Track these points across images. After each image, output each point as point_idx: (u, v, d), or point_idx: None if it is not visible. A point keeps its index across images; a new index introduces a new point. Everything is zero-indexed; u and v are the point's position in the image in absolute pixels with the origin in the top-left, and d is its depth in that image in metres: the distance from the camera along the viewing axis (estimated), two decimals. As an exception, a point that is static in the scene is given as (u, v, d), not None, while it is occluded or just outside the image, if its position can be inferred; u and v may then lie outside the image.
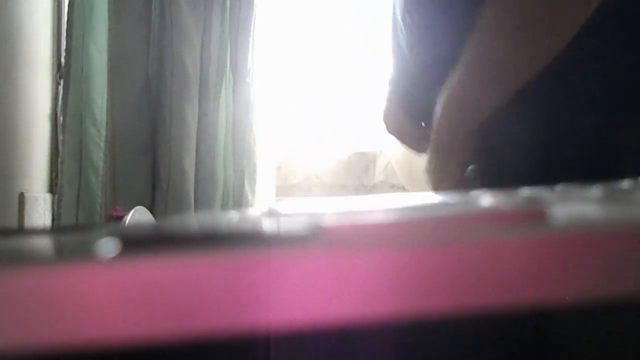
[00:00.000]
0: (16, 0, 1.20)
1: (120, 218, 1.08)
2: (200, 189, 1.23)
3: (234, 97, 1.26)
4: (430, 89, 0.55)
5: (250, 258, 0.12)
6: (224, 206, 1.25)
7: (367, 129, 1.39)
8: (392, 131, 0.69)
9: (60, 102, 1.29)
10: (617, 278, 0.13)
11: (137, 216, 0.97)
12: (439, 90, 0.52)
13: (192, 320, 0.11)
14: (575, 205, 0.17)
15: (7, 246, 0.16)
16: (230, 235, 0.14)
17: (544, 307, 0.13)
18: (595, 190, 0.21)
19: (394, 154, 1.32)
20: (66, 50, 1.25)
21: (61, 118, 1.26)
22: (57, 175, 1.27)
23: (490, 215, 0.16)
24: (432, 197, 0.23)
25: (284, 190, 1.36)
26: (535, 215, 0.16)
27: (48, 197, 1.28)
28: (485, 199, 0.20)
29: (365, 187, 1.37)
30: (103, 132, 1.24)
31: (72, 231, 0.20)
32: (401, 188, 1.32)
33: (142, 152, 1.24)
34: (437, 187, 0.52)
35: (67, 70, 1.24)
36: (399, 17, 0.62)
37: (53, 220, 1.26)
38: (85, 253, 0.12)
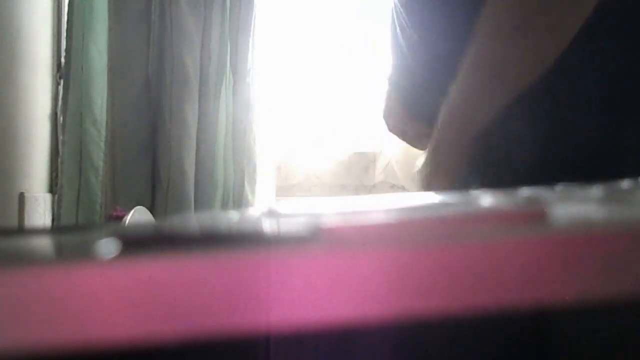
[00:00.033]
0: (16, 0, 1.20)
1: (120, 218, 1.08)
2: (200, 189, 1.23)
3: (234, 97, 1.26)
4: (430, 88, 0.55)
5: (250, 258, 0.12)
6: (224, 206, 1.25)
7: (367, 129, 1.39)
8: (392, 129, 0.68)
9: (60, 102, 1.29)
10: (617, 278, 0.13)
11: (137, 216, 0.97)
12: (438, 90, 0.52)
13: (192, 320, 0.11)
14: (575, 205, 0.17)
15: (7, 246, 0.16)
16: (230, 235, 0.14)
17: (544, 307, 0.13)
18: (595, 190, 0.21)
19: (394, 154, 1.32)
20: (66, 50, 1.25)
21: (61, 118, 1.26)
22: (57, 175, 1.27)
23: (490, 215, 0.16)
24: (432, 197, 0.23)
25: (284, 190, 1.36)
26: (535, 215, 0.16)
27: (48, 197, 1.28)
28: (485, 199, 0.20)
29: (365, 187, 1.37)
30: (103, 132, 1.24)
31: (72, 231, 0.20)
32: (401, 188, 1.33)
33: (142, 152, 1.24)
34: (426, 189, 0.52)
35: (67, 70, 1.24)
36: (398, 17, 0.62)
37: (53, 220, 1.26)
38: (85, 253, 0.12)
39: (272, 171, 1.34)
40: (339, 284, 0.12)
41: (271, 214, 0.20)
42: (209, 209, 1.22)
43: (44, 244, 0.18)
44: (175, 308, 0.11)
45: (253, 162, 1.27)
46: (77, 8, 1.24)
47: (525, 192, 0.22)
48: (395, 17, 0.63)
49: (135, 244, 0.12)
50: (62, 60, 1.28)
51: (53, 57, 1.32)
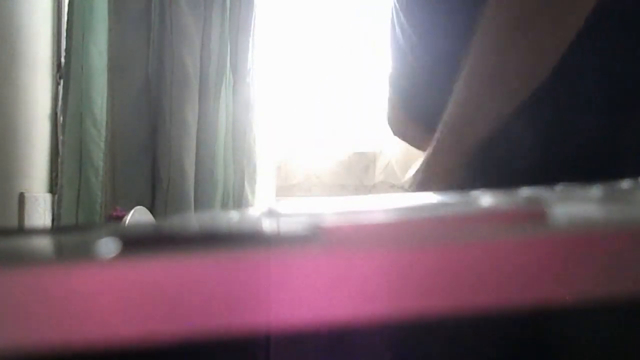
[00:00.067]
0: (16, 0, 1.20)
1: (120, 218, 1.08)
2: (200, 189, 1.23)
3: (234, 97, 1.26)
4: (430, 89, 0.55)
5: (250, 258, 0.12)
6: (224, 206, 1.25)
7: (367, 129, 1.39)
8: (395, 133, 0.68)
9: (60, 102, 1.29)
10: (617, 278, 0.13)
11: (137, 216, 0.97)
12: (438, 91, 0.52)
13: (192, 320, 0.11)
14: (575, 205, 0.17)
15: (7, 246, 0.16)
16: (230, 235, 0.14)
17: (544, 307, 0.13)
18: (595, 190, 0.21)
19: (394, 154, 1.32)
20: (66, 50, 1.25)
21: (61, 118, 1.26)
22: (57, 175, 1.27)
23: (490, 215, 0.16)
24: (432, 197, 0.23)
25: (284, 190, 1.36)
26: (535, 215, 0.16)
27: (48, 197, 1.28)
28: (485, 199, 0.20)
29: (365, 187, 1.37)
30: (103, 132, 1.24)
31: (72, 231, 0.20)
32: (401, 188, 1.32)
33: (142, 152, 1.24)
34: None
35: (67, 70, 1.24)
36: (398, 18, 0.62)
37: (53, 220, 1.26)
38: (85, 253, 0.12)
39: (272, 171, 1.34)
40: (339, 284, 0.12)
41: (271, 214, 0.20)
42: (209, 209, 1.22)
43: (44, 244, 0.17)
44: (175, 308, 0.11)
45: (253, 162, 1.27)
46: (77, 8, 1.24)
47: (525, 192, 0.22)
48: (394, 18, 0.63)
49: (135, 244, 0.12)
50: (62, 60, 1.28)
51: (53, 57, 1.32)
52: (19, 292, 0.11)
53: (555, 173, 0.36)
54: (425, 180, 0.51)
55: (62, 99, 1.26)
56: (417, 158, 0.56)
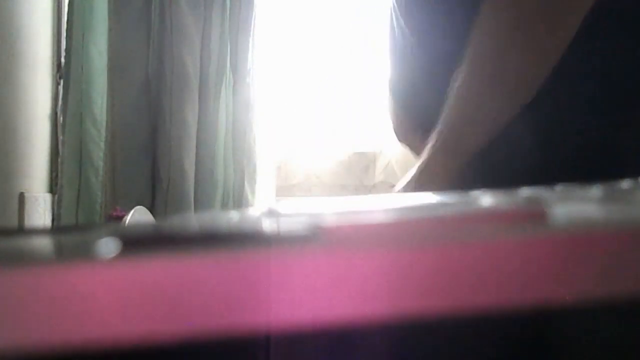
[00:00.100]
0: (16, 0, 1.21)
1: (120, 218, 1.08)
2: (200, 189, 1.23)
3: (234, 97, 1.26)
4: (430, 91, 0.55)
5: (250, 258, 0.12)
6: (224, 206, 1.25)
7: (367, 129, 1.39)
8: (402, 140, 0.68)
9: (60, 102, 1.29)
10: (617, 278, 0.13)
11: (137, 216, 0.97)
12: (437, 92, 0.51)
13: (192, 320, 0.11)
14: (575, 205, 0.17)
15: (7, 246, 0.16)
16: (230, 235, 0.14)
17: (544, 307, 0.13)
18: (595, 190, 0.21)
19: (394, 154, 1.32)
20: (66, 50, 1.25)
21: (61, 118, 1.26)
22: (57, 175, 1.27)
23: (490, 215, 0.16)
24: (432, 197, 0.23)
25: (284, 190, 1.36)
26: (535, 215, 0.16)
27: (48, 197, 1.28)
28: (485, 199, 0.20)
29: (365, 187, 1.37)
30: (103, 132, 1.25)
31: (72, 231, 0.20)
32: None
33: (142, 152, 1.24)
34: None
35: (67, 70, 1.24)
36: (397, 20, 0.62)
37: (53, 220, 1.26)
38: (85, 253, 0.12)
39: (272, 171, 1.34)
40: (339, 284, 0.12)
41: (271, 214, 0.20)
42: (209, 209, 1.22)
43: (44, 244, 0.17)
44: (175, 308, 0.11)
45: (253, 162, 1.27)
46: (77, 8, 1.24)
47: (525, 192, 0.22)
48: (394, 20, 0.63)
49: (135, 244, 0.12)
50: (62, 60, 1.29)
51: (53, 57, 1.32)
52: (19, 292, 0.11)
53: (555, 173, 0.36)
54: (424, 180, 0.51)
55: (62, 99, 1.26)
56: (417, 159, 0.56)
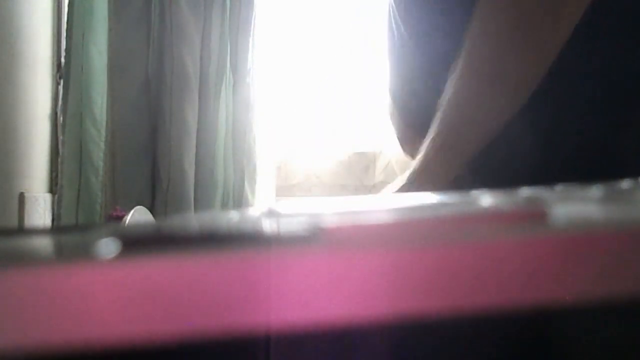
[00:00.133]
0: (16, 0, 1.20)
1: (120, 218, 1.08)
2: (200, 189, 1.23)
3: (234, 97, 1.26)
4: (429, 91, 0.55)
5: (250, 258, 0.12)
6: (224, 206, 1.25)
7: (367, 129, 1.39)
8: (405, 150, 0.67)
9: (60, 102, 1.29)
10: (617, 278, 0.13)
11: (137, 216, 0.97)
12: (437, 94, 0.51)
13: (192, 320, 0.11)
14: (575, 205, 0.17)
15: (7, 246, 0.16)
16: (230, 235, 0.14)
17: (544, 307, 0.13)
18: (595, 190, 0.21)
19: (394, 154, 1.32)
20: (66, 50, 1.25)
21: (61, 118, 1.26)
22: (57, 175, 1.27)
23: (490, 215, 0.16)
24: (432, 197, 0.23)
25: (284, 190, 1.36)
26: (535, 215, 0.16)
27: (48, 197, 1.28)
28: (485, 199, 0.20)
29: (365, 187, 1.37)
30: (103, 132, 1.25)
31: (72, 231, 0.20)
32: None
33: (142, 152, 1.24)
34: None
35: (67, 70, 1.24)
36: (396, 24, 0.62)
37: (53, 220, 1.26)
38: (85, 253, 0.12)
39: (272, 171, 1.34)
40: (339, 284, 0.12)
41: (271, 214, 0.20)
42: (209, 209, 1.22)
43: (44, 244, 0.17)
44: (175, 308, 0.11)
45: (253, 162, 1.27)
46: (77, 8, 1.24)
47: (525, 192, 0.22)
48: (392, 22, 0.63)
49: (135, 244, 0.12)
50: (62, 60, 1.29)
51: (53, 57, 1.32)
52: (19, 292, 0.11)
53: (555, 173, 0.36)
54: (423, 180, 0.51)
55: (62, 99, 1.26)
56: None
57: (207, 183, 1.23)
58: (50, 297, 0.11)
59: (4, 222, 1.14)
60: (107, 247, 0.12)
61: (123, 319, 0.11)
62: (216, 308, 0.11)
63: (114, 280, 0.11)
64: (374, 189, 1.37)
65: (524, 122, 0.49)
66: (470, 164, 0.51)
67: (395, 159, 1.32)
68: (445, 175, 0.50)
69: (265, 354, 0.12)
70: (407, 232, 0.13)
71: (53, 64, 1.32)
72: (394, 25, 0.62)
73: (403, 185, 0.51)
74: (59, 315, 0.11)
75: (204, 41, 1.24)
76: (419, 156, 0.51)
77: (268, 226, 0.15)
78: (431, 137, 0.51)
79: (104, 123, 1.25)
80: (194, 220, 0.21)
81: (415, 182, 0.51)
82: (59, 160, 1.26)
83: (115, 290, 0.11)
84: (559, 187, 0.24)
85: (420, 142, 0.53)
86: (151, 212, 1.11)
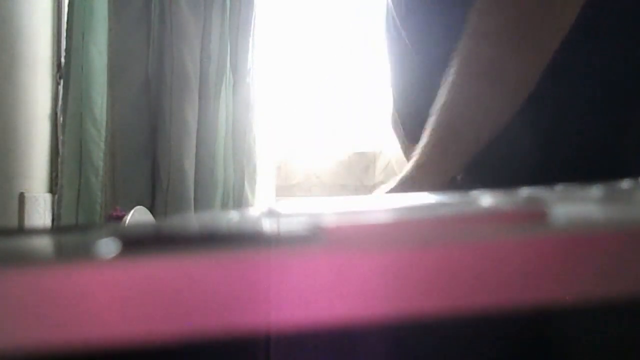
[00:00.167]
0: (16, 0, 1.20)
1: (120, 218, 1.08)
2: (200, 189, 1.23)
3: (234, 97, 1.26)
4: (429, 91, 0.54)
5: (250, 258, 0.12)
6: (224, 206, 1.25)
7: (367, 129, 1.39)
8: (406, 158, 0.67)
9: (60, 102, 1.29)
10: (617, 278, 0.13)
11: (137, 216, 0.97)
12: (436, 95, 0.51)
13: (192, 320, 0.11)
14: (575, 205, 0.17)
15: (7, 246, 0.16)
16: (230, 235, 0.14)
17: (544, 307, 0.13)
18: (595, 190, 0.21)
19: (394, 154, 1.32)
20: (66, 50, 1.25)
21: (61, 118, 1.26)
22: (57, 175, 1.27)
23: (490, 215, 0.16)
24: (432, 197, 0.23)
25: (284, 190, 1.36)
26: (535, 215, 0.16)
27: (48, 197, 1.28)
28: (485, 199, 0.20)
29: (365, 187, 1.37)
30: (103, 132, 1.25)
31: (72, 231, 0.20)
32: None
33: (142, 152, 1.24)
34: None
35: (67, 70, 1.24)
36: (395, 25, 0.62)
37: (53, 220, 1.26)
38: (85, 253, 0.12)
39: (272, 171, 1.34)
40: (339, 284, 0.12)
41: (271, 214, 0.20)
42: (209, 209, 1.22)
43: (44, 244, 0.17)
44: (175, 308, 0.11)
45: (253, 162, 1.27)
46: (77, 8, 1.24)
47: (525, 192, 0.22)
48: (391, 25, 0.63)
49: (135, 244, 0.12)
50: (62, 60, 1.29)
51: (53, 57, 1.32)
52: (19, 292, 0.11)
53: (555, 173, 0.36)
54: (421, 180, 0.50)
55: (62, 99, 1.26)
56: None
57: (207, 183, 1.23)
58: (50, 297, 0.11)
59: (4, 222, 1.14)
60: (107, 247, 0.12)
61: (123, 319, 0.11)
62: (216, 308, 0.11)
63: (114, 280, 0.11)
64: (374, 189, 1.37)
65: (524, 122, 0.49)
66: (470, 164, 0.50)
67: (395, 159, 1.32)
68: (442, 175, 0.50)
69: (265, 353, 0.12)
70: (407, 232, 0.13)
71: (53, 64, 1.32)
72: (393, 31, 0.62)
73: (397, 185, 0.51)
74: (59, 315, 0.11)
75: (204, 41, 1.24)
76: (414, 156, 0.51)
77: (268, 226, 0.15)
78: (428, 136, 0.50)
79: (104, 123, 1.25)
80: (194, 220, 0.21)
81: (411, 182, 0.50)
82: (59, 160, 1.26)
83: (115, 290, 0.11)
84: (559, 187, 0.24)
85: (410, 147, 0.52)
86: (151, 212, 1.11)
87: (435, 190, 0.48)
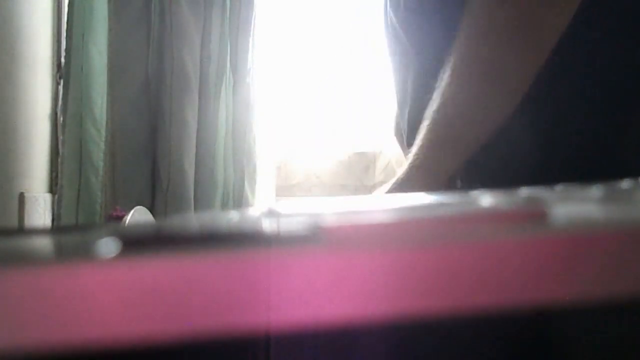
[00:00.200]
0: (16, 0, 1.20)
1: (120, 218, 1.08)
2: (200, 189, 1.23)
3: (234, 97, 1.26)
4: (429, 92, 0.54)
5: (250, 258, 0.12)
6: (224, 206, 1.25)
7: (367, 129, 1.39)
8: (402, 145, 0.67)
9: (60, 102, 1.29)
10: (617, 278, 0.13)
11: (137, 216, 0.97)
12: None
13: (192, 320, 0.11)
14: (575, 205, 0.17)
15: (7, 246, 0.16)
16: (230, 235, 0.14)
17: (544, 307, 0.13)
18: (595, 190, 0.21)
19: (394, 154, 1.32)
20: (66, 50, 1.25)
21: (61, 118, 1.26)
22: (57, 175, 1.27)
23: (490, 215, 0.16)
24: (432, 197, 0.23)
25: (284, 190, 1.36)
26: (535, 215, 0.16)
27: (48, 197, 1.28)
28: (485, 199, 0.20)
29: (365, 187, 1.37)
30: (103, 132, 1.24)
31: (72, 231, 0.20)
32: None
33: (142, 152, 1.24)
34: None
35: (67, 70, 1.24)
36: (394, 26, 0.62)
37: (53, 220, 1.26)
38: (85, 253, 0.12)
39: (272, 171, 1.34)
40: (339, 284, 0.12)
41: (271, 214, 0.20)
42: (209, 209, 1.22)
43: (44, 244, 0.17)
44: (175, 308, 0.11)
45: (253, 162, 1.27)
46: (77, 8, 1.24)
47: (525, 192, 0.22)
48: (392, 32, 0.63)
49: (135, 244, 0.12)
50: (62, 60, 1.28)
51: (53, 57, 1.32)
52: (19, 292, 0.11)
53: (555, 173, 0.36)
54: (419, 180, 0.50)
55: (62, 99, 1.26)
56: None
57: (207, 183, 1.23)
58: (50, 297, 0.11)
59: (4, 222, 1.14)
60: (107, 247, 0.12)
61: (123, 319, 0.11)
62: (216, 308, 0.11)
63: (114, 280, 0.11)
64: (373, 189, 1.37)
65: (524, 122, 0.49)
66: (470, 164, 0.50)
67: (395, 159, 1.32)
68: (440, 175, 0.50)
69: (265, 353, 0.12)
70: (407, 232, 0.13)
71: (53, 64, 1.32)
72: (392, 33, 0.62)
73: (394, 186, 0.51)
74: (59, 315, 0.11)
75: (204, 41, 1.24)
76: (411, 157, 0.51)
77: (268, 226, 0.15)
78: (425, 136, 0.50)
79: (104, 123, 1.24)
80: (194, 220, 0.21)
81: (408, 183, 0.50)
82: (59, 160, 1.26)
83: (115, 290, 0.11)
84: (559, 187, 0.24)
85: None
86: (151, 212, 1.11)
87: (433, 191, 0.48)
